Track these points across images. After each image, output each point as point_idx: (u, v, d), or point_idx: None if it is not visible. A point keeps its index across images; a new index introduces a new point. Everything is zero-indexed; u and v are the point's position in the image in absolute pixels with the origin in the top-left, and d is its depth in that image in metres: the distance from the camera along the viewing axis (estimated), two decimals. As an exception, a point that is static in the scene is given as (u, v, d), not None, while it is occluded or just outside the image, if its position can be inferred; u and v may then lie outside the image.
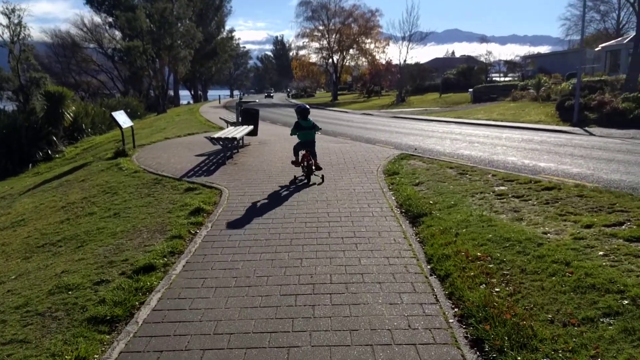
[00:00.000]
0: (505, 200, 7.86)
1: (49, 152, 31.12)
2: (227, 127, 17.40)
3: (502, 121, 26.55)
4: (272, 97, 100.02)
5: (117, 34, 73.46)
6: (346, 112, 46.28)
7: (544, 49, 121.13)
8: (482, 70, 74.64)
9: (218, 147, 13.43)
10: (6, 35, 32.62)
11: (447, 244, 5.99)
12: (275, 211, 7.93)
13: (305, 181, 10.10)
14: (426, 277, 5.28)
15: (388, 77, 75.76)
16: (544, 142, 16.45)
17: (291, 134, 10.56)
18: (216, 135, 12.41)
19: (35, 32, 74.92)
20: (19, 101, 34.48)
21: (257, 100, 18.99)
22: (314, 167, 10.17)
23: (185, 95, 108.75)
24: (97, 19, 73.69)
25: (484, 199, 8.00)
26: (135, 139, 26.91)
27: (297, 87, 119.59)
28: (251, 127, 15.19)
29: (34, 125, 32.19)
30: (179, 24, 59.93)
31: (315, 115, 40.35)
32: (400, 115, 35.71)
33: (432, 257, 5.75)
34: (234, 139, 12.24)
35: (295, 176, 10.50)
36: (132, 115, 52.85)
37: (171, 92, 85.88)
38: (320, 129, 10.74)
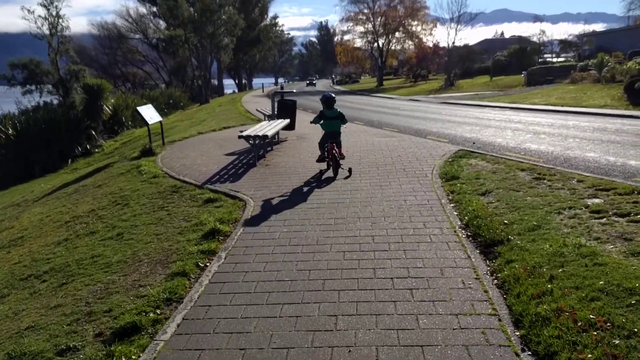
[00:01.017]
0: (606, 220, 5.97)
1: (88, 147, 30.56)
2: (265, 119, 15.91)
3: (562, 106, 24.17)
4: (314, 84, 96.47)
5: (162, 23, 73.26)
6: (392, 98, 44.27)
7: (599, 27, 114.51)
8: (535, 50, 70.93)
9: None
10: (45, 28, 32.21)
11: (540, 294, 4.26)
12: (307, 234, 6.34)
13: (332, 175, 9.44)
14: (517, 355, 3.61)
15: (435, 60, 72.91)
16: (621, 131, 14.28)
17: (312, 122, 9.89)
18: (245, 132, 10.91)
19: (84, 25, 75.67)
20: (60, 95, 34.13)
21: (294, 90, 17.37)
22: (340, 159, 9.52)
23: (230, 84, 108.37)
24: (142, 9, 73.37)
25: (576, 218, 6.13)
26: (172, 132, 25.94)
27: (341, 73, 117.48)
28: (287, 121, 13.64)
29: (74, 119, 31.69)
30: (221, 11, 58.75)
31: (359, 102, 38.60)
32: (450, 101, 33.51)
33: (521, 317, 4.05)
34: (265, 136, 10.70)
35: (320, 170, 9.78)
36: (175, 106, 52.41)
37: (215, 82, 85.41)
38: (347, 121, 9.89)
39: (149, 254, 6.10)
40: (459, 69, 60.66)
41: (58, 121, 31.16)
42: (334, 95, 9.83)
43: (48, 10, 32.21)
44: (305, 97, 49.77)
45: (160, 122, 15.82)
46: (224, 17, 61.53)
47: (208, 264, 5.59)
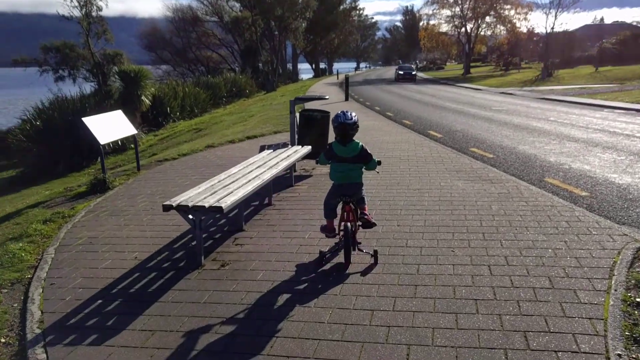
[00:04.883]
0: None
1: (120, 142, 26.50)
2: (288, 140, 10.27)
3: None
4: (413, 76, 57.40)
5: (237, 5, 69.42)
6: (480, 90, 37.47)
7: None
8: (654, 38, 61.14)
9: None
10: (76, 9, 28.13)
11: None
12: None
13: (343, 261, 5.00)
14: None
15: (529, 47, 64.45)
16: None
17: (318, 163, 5.36)
18: (179, 199, 5.33)
19: (160, 9, 73.32)
20: (98, 82, 30.25)
21: (327, 97, 11.47)
22: (364, 228, 5.08)
23: (308, 69, 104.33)
24: (218, -9, 69.80)
25: None
26: (215, 128, 20.90)
27: (425, 58, 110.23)
28: (305, 149, 8.13)
29: (107, 111, 27.71)
30: (292, -8, 53.87)
31: (442, 95, 32.01)
32: (552, 97, 26.56)
33: None
34: (218, 209, 5.10)
35: (321, 252, 5.19)
36: (238, 94, 47.86)
37: (291, 66, 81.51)
38: (377, 163, 5.14)
39: None
40: (558, 57, 52.32)
41: (87, 112, 27.26)
42: (355, 116, 4.94)
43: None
44: (372, 85, 43.27)
45: (133, 136, 10.81)
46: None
47: None
